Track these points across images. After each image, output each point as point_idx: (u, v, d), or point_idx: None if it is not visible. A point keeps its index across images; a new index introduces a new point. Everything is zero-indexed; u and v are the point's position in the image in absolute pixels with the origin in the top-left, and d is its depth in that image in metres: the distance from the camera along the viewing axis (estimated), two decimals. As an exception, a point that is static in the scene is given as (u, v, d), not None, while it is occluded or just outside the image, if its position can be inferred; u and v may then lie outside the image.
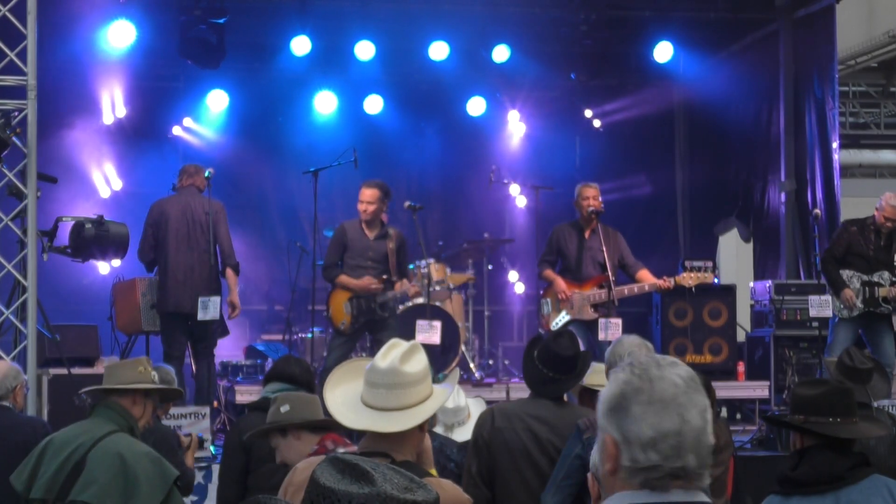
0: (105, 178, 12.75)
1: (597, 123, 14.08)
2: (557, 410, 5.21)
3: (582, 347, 9.33)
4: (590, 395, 5.99)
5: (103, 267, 11.53)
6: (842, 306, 9.35)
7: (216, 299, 9.05)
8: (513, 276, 13.57)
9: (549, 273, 9.82)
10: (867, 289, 9.33)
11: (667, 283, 9.64)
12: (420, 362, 3.23)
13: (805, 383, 4.39)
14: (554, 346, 5.21)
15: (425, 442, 3.39)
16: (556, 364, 5.18)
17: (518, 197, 13.59)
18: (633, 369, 2.09)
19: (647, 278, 9.73)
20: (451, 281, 10.89)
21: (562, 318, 9.66)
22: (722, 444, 6.11)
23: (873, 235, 9.39)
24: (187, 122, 13.35)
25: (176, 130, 13.32)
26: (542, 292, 10.07)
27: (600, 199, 9.78)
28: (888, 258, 9.38)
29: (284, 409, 4.73)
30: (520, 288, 13.61)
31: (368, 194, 9.34)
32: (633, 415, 2.05)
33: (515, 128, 14.14)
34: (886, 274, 9.36)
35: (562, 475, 4.83)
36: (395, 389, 3.17)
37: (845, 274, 9.42)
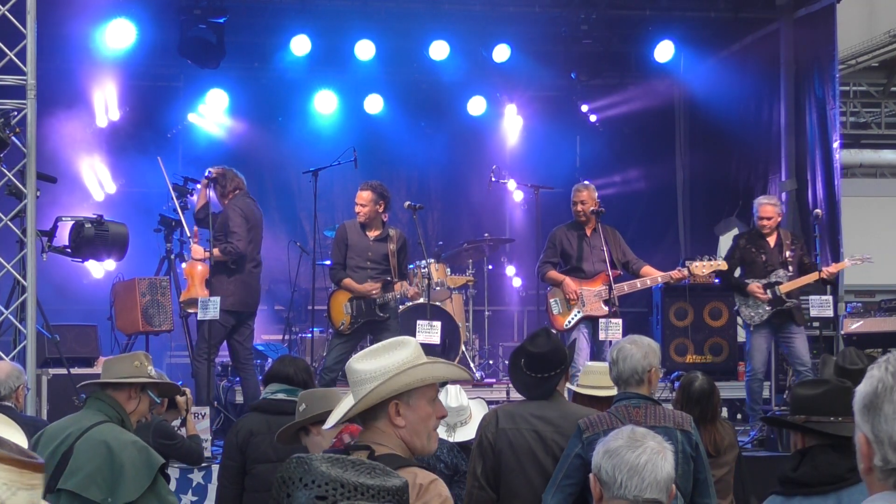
0: (104, 177, 12.73)
1: (592, 118, 14.05)
2: (561, 410, 5.20)
3: (586, 343, 9.39)
4: (581, 396, 5.99)
5: (103, 267, 11.51)
6: (752, 314, 9.69)
7: (216, 300, 9.04)
8: (513, 276, 13.56)
9: (553, 274, 9.79)
10: (769, 291, 9.66)
11: (681, 273, 9.67)
12: (385, 359, 3.23)
13: (805, 383, 4.37)
14: (531, 346, 5.19)
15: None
16: (538, 364, 5.16)
17: (518, 197, 13.58)
18: (888, 366, 2.02)
19: (652, 273, 9.76)
20: (450, 283, 10.88)
21: (574, 316, 9.65)
22: (726, 446, 6.12)
23: (762, 241, 9.83)
24: (186, 121, 13.32)
25: (178, 127, 13.29)
26: (548, 292, 10.04)
27: (596, 197, 9.79)
28: (780, 257, 9.76)
29: (302, 408, 4.78)
30: (520, 288, 13.60)
31: (362, 196, 9.38)
32: (884, 414, 1.99)
33: (515, 127, 14.13)
34: (782, 271, 9.74)
35: (562, 475, 4.83)
36: (356, 387, 3.23)
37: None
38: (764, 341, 9.71)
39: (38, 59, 8.01)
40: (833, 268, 9.74)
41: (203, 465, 7.97)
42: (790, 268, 9.70)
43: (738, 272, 10.11)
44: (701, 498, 4.89)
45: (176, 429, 6.74)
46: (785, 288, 9.57)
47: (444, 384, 5.87)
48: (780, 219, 9.92)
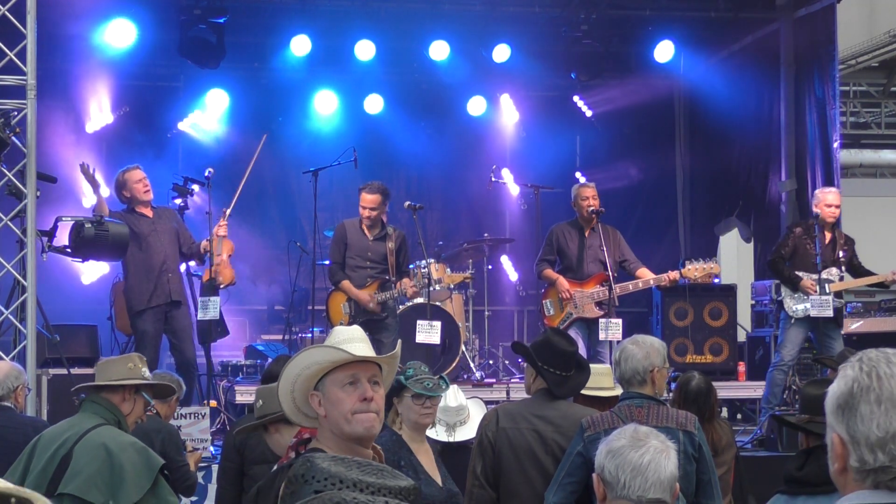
0: (104, 177, 12.70)
1: (588, 113, 14.04)
2: (562, 410, 5.21)
3: (582, 344, 9.41)
4: (581, 397, 5.99)
5: (103, 267, 11.50)
6: (796, 307, 9.46)
7: (216, 299, 9.04)
8: (513, 276, 13.55)
9: (549, 273, 9.79)
10: (818, 287, 9.42)
11: (673, 275, 9.64)
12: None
13: (812, 383, 4.37)
14: (557, 343, 5.20)
15: None
16: (563, 362, 5.18)
17: (518, 197, 13.58)
18: (862, 366, 2.02)
19: (646, 275, 9.74)
20: (447, 281, 10.85)
21: (567, 318, 9.65)
22: (724, 445, 6.12)
23: (818, 235, 9.57)
24: (187, 121, 13.31)
25: (180, 127, 13.28)
26: (542, 293, 10.05)
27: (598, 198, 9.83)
28: (834, 255, 9.56)
29: (259, 404, 4.75)
30: (519, 288, 13.60)
31: (370, 200, 9.36)
32: (861, 414, 1.98)
33: (515, 127, 14.13)
34: (835, 270, 9.54)
35: (563, 473, 4.85)
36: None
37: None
38: (800, 335, 9.52)
39: (39, 59, 8.00)
40: (892, 275, 9.47)
41: (203, 464, 7.97)
42: (842, 268, 9.52)
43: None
44: (705, 499, 4.88)
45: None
46: (836, 287, 9.40)
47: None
48: (839, 213, 9.66)
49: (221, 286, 9.56)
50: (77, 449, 4.70)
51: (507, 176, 13.13)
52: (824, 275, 9.46)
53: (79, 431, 4.77)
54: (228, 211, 9.41)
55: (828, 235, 9.61)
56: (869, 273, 9.66)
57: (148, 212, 9.28)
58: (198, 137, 13.30)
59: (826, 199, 9.58)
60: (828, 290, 9.38)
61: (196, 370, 9.33)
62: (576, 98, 14.01)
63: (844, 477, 2.03)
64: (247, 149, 13.21)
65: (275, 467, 4.35)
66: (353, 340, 3.27)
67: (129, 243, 8.94)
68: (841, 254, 9.55)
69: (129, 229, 8.96)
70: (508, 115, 14.04)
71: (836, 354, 8.47)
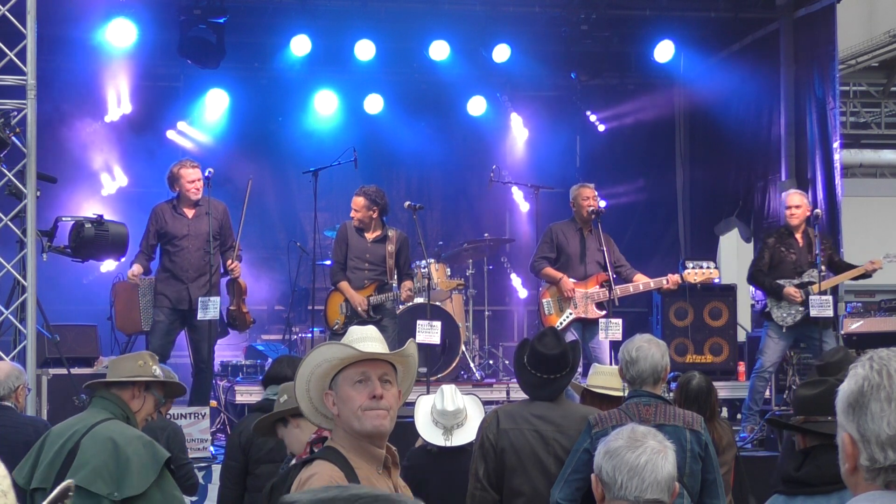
0: (104, 177, 12.73)
1: (601, 128, 14.06)
2: (562, 410, 5.20)
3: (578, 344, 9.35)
4: (591, 396, 5.98)
5: (103, 267, 11.51)
6: (783, 315, 9.44)
7: (216, 300, 9.05)
8: (522, 293, 13.54)
9: (549, 271, 9.75)
10: (802, 291, 9.42)
11: (674, 279, 9.65)
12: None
13: (805, 384, 4.38)
14: (539, 346, 5.19)
15: None
16: (546, 365, 5.16)
17: (518, 197, 13.58)
18: (872, 364, 2.01)
19: (644, 279, 9.73)
20: (442, 286, 10.83)
21: (566, 318, 9.64)
22: (724, 445, 6.12)
23: (791, 240, 9.62)
24: (186, 122, 13.31)
25: (178, 127, 13.27)
26: (541, 291, 10.03)
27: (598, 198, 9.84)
28: (809, 257, 9.55)
29: (283, 399, 4.78)
30: (520, 288, 13.60)
31: (354, 202, 9.49)
32: (871, 412, 1.98)
33: (516, 127, 14.12)
34: (815, 272, 9.50)
35: (570, 469, 4.86)
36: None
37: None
38: (783, 341, 9.52)
39: (39, 59, 8.01)
40: (870, 265, 9.47)
41: (203, 464, 7.98)
42: (822, 268, 9.47)
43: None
44: (709, 499, 4.88)
45: None
46: (817, 288, 9.36)
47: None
48: (808, 212, 9.66)
49: (241, 332, 10.14)
50: (84, 442, 4.73)
51: (507, 176, 13.13)
52: (805, 277, 9.47)
53: (86, 425, 4.81)
54: (237, 251, 9.41)
55: (800, 238, 9.63)
56: (850, 267, 9.64)
57: (190, 211, 9.25)
58: (197, 138, 13.30)
59: (787, 202, 9.64)
60: (812, 293, 9.36)
61: (209, 371, 9.31)
62: (592, 117, 13.99)
63: (855, 477, 2.02)
64: (247, 149, 13.26)
65: (293, 461, 4.37)
66: (365, 339, 3.31)
67: (159, 239, 9.18)
68: (818, 252, 9.55)
69: (160, 228, 9.14)
70: (508, 115, 14.04)
71: (830, 349, 8.43)
